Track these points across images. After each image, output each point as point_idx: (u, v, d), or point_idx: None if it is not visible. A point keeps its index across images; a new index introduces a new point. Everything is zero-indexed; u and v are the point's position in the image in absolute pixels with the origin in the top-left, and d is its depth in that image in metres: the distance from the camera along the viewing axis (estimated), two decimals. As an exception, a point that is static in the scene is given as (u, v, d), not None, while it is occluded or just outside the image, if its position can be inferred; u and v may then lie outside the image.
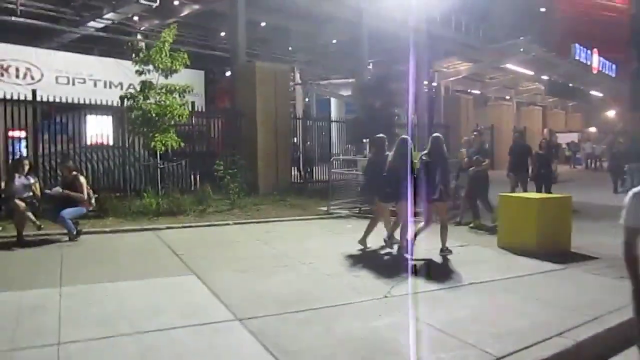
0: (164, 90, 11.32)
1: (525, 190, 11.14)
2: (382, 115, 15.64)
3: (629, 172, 17.35)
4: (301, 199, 13.77)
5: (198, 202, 11.86)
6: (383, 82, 16.54)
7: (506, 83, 32.20)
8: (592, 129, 42.87)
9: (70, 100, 12.02)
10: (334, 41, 24.63)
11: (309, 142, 17.66)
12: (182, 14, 19.59)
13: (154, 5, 15.67)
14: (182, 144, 11.79)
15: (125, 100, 11.45)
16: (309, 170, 17.45)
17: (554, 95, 34.47)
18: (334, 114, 31.64)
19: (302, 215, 11.41)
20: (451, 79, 27.94)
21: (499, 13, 37.30)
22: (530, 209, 7.55)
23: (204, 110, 15.70)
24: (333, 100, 33.56)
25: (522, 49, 25.77)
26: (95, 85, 14.21)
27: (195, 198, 12.08)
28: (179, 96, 11.50)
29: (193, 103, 14.53)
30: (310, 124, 18.06)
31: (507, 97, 33.25)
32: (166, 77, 11.57)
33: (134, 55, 11.50)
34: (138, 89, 11.40)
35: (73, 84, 14.27)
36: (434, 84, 27.92)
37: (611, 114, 48.55)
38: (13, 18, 17.19)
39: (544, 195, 7.96)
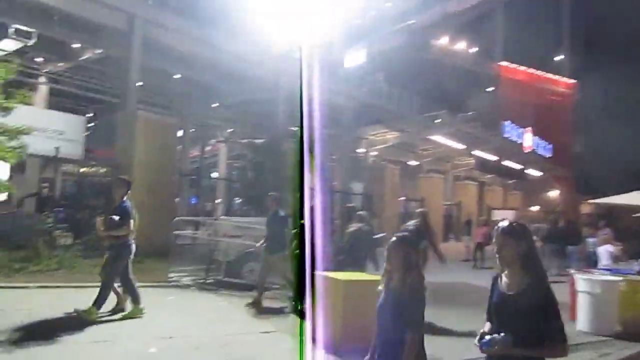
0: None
1: None
2: (273, 177, 14.60)
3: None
4: (169, 261, 12.26)
5: (25, 260, 10.34)
6: (278, 143, 15.58)
7: (440, 156, 31.91)
8: (534, 208, 42.94)
9: None
10: (254, 100, 23.88)
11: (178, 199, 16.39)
12: (83, 57, 18.56)
13: (30, 42, 14.57)
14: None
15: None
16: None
17: (484, 172, 34.35)
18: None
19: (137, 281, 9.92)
20: (378, 147, 27.38)
21: (441, 86, 37.74)
22: (336, 293, 6.33)
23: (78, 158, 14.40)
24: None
25: (440, 121, 25.55)
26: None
27: (25, 254, 10.56)
28: (10, 138, 10.18)
29: (57, 148, 13.32)
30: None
31: (442, 170, 32.91)
32: (3, 116, 10.30)
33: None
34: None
35: None
36: (362, 151, 27.36)
37: (554, 194, 48.95)
38: None
39: (354, 275, 6.74)
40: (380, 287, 3.15)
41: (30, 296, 8.03)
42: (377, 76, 29.15)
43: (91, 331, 6.27)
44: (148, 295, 8.94)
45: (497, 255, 2.79)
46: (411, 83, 32.83)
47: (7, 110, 10.18)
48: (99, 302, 6.74)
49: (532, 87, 53.27)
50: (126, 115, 14.82)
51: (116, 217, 6.90)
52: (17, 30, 14.10)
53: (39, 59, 19.58)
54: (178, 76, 21.47)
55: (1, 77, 10.08)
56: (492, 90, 49.89)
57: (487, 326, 2.88)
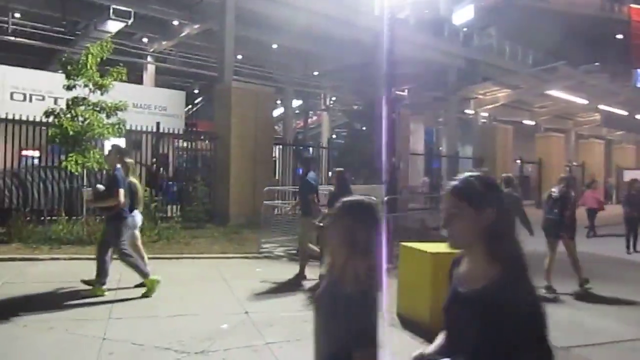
0: (91, 108, 10.38)
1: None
2: (365, 143, 14.02)
3: None
4: (262, 232, 12.21)
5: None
6: (371, 108, 14.86)
7: (560, 113, 29.17)
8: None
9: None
10: (355, 65, 23.18)
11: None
12: (183, 34, 18.96)
13: (129, 22, 15.02)
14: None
15: (52, 117, 10.54)
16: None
17: (613, 127, 30.94)
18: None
19: (228, 253, 9.92)
20: (489, 106, 25.53)
21: (559, 36, 34.45)
22: (424, 266, 5.67)
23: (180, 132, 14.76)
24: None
25: (559, 74, 23.10)
26: (55, 102, 13.48)
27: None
28: (108, 114, 10.47)
29: (158, 123, 13.65)
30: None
31: (562, 129, 30.14)
32: (101, 93, 10.64)
33: (69, 69, 10.70)
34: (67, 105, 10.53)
35: (30, 100, 13.70)
36: (470, 112, 25.73)
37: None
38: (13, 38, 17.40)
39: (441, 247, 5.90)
40: (322, 272, 2.07)
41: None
42: (487, 32, 27.17)
43: (169, 305, 6.18)
44: (237, 267, 8.92)
45: (444, 229, 1.63)
46: (525, 36, 30.25)
47: (103, 87, 10.47)
48: (99, 278, 6.38)
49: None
50: (222, 88, 14.88)
51: (102, 187, 6.50)
52: (115, 10, 14.56)
53: (145, 40, 20.44)
54: (275, 46, 21.36)
55: (96, 56, 10.37)
56: (621, 37, 44.84)
57: (436, 341, 1.77)
